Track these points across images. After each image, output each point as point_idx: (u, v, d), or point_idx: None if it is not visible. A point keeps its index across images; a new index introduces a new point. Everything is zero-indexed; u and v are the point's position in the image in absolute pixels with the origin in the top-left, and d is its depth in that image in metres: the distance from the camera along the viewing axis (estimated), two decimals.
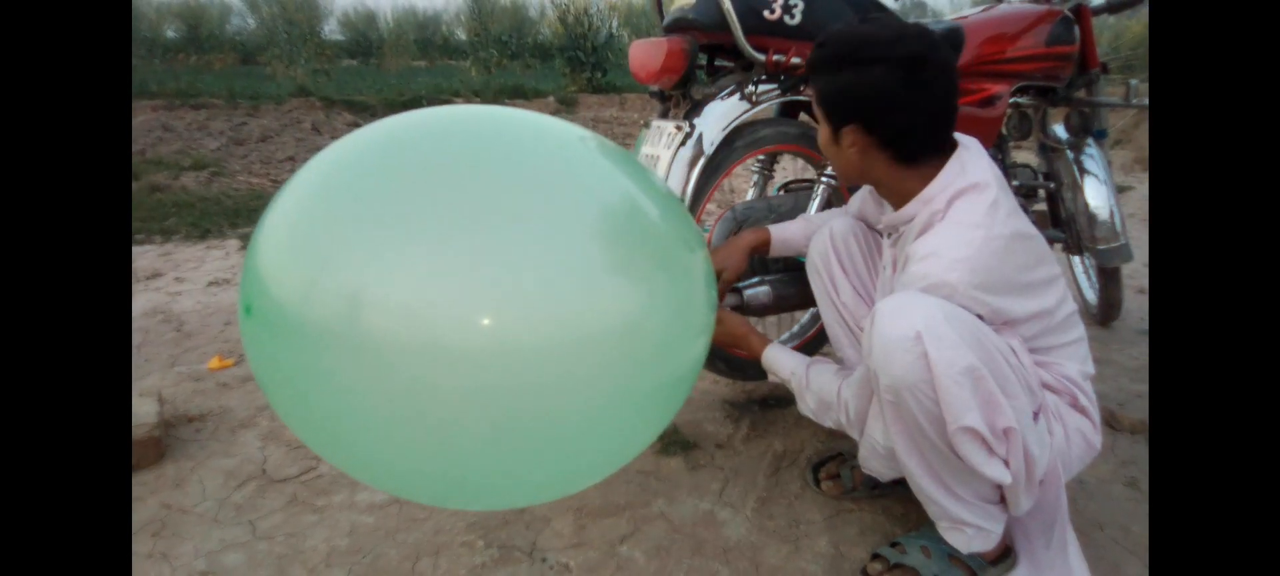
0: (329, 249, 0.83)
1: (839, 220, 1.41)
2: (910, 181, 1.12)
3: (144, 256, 3.20)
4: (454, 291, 0.81)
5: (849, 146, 1.12)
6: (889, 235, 1.23)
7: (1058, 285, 1.14)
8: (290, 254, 0.86)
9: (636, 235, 0.94)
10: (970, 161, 1.10)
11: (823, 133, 1.16)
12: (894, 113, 1.06)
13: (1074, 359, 1.16)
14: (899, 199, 1.15)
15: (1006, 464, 0.99)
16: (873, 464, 1.19)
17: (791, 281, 1.56)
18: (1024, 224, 1.09)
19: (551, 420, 0.88)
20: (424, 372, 0.81)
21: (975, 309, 1.01)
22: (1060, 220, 2.13)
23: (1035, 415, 1.06)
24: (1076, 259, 2.40)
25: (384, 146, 0.93)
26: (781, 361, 1.30)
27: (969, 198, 1.06)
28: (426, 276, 0.81)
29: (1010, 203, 1.09)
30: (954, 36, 1.69)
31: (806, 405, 1.26)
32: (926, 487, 1.07)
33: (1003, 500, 1.08)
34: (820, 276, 1.43)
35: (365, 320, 0.80)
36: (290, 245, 0.87)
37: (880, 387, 1.01)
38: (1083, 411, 1.14)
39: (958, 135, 1.15)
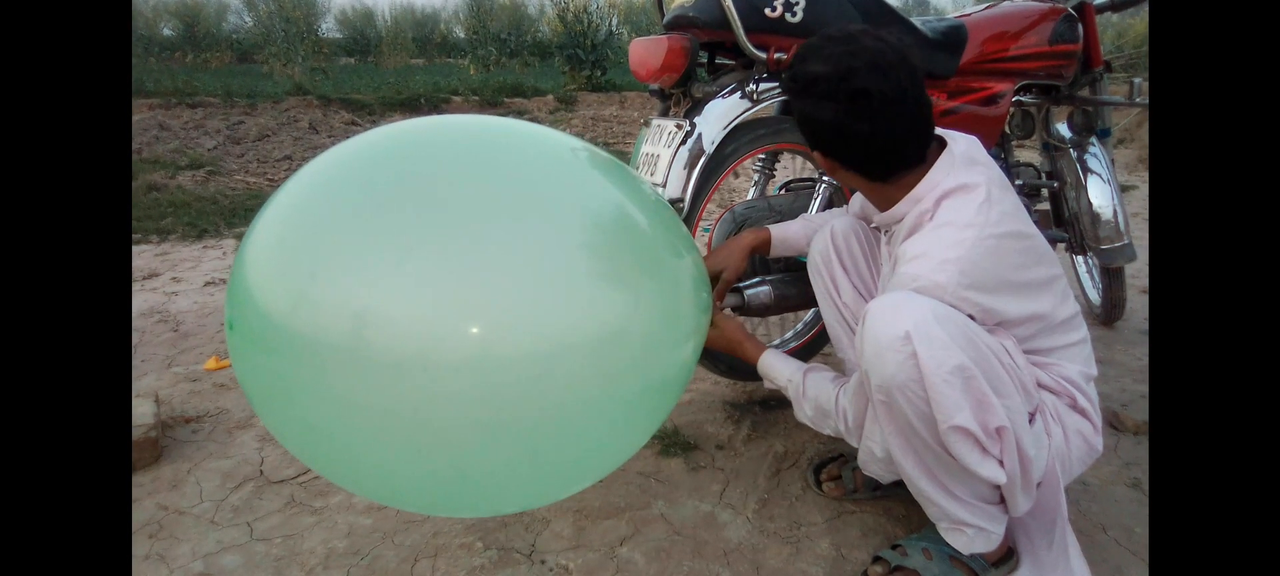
0: (315, 262, 0.84)
1: (840, 219, 1.41)
2: (890, 191, 1.13)
3: (140, 256, 3.18)
4: (439, 302, 0.82)
5: (824, 166, 1.16)
6: (884, 233, 1.23)
7: (1056, 285, 1.13)
8: (277, 268, 0.86)
9: (622, 243, 0.95)
10: (960, 162, 1.09)
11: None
12: (849, 144, 1.08)
13: (1075, 360, 1.15)
14: (886, 204, 1.15)
15: (1001, 463, 0.99)
16: (872, 467, 1.19)
17: (792, 281, 1.55)
18: (1020, 223, 1.08)
19: (539, 426, 0.88)
20: (410, 382, 0.81)
21: (966, 309, 1.01)
22: (1063, 220, 2.12)
23: (1031, 416, 1.06)
24: (1080, 259, 2.39)
25: (369, 159, 0.93)
26: (777, 368, 1.29)
27: (957, 198, 1.06)
28: (412, 287, 0.82)
29: (1008, 201, 1.08)
30: (956, 34, 1.67)
31: (804, 413, 1.25)
32: (924, 488, 1.07)
33: (1003, 501, 1.07)
34: (821, 276, 1.42)
35: (351, 332, 0.81)
36: (277, 259, 0.87)
37: (872, 388, 1.01)
38: (1082, 413, 1.14)
39: (953, 134, 1.14)
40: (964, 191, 1.06)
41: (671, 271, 1.01)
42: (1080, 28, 1.86)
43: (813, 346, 1.84)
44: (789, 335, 1.90)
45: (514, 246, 0.85)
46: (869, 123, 1.05)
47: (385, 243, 0.83)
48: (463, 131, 1.00)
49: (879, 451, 1.15)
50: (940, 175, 1.09)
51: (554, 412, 0.88)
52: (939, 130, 1.16)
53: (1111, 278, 2.19)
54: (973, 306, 1.02)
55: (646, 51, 1.54)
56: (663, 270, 0.99)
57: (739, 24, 1.46)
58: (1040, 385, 1.11)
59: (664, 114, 1.67)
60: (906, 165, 1.10)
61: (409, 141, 0.96)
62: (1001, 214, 1.05)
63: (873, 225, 1.29)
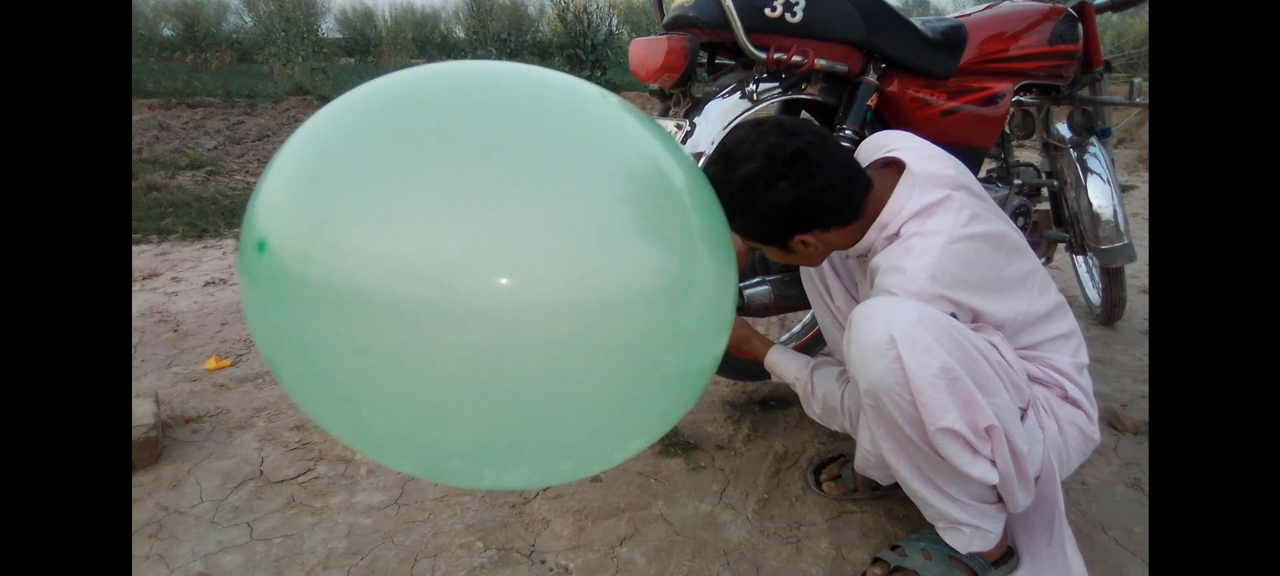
0: (339, 200, 0.78)
1: None
2: (862, 225, 1.12)
3: (140, 256, 3.18)
4: (475, 245, 0.76)
5: (806, 247, 1.12)
6: (857, 259, 1.23)
7: (1036, 279, 1.13)
8: (300, 201, 0.81)
9: (672, 203, 0.89)
10: (921, 182, 1.09)
11: (772, 252, 1.16)
12: (818, 200, 1.07)
13: (1063, 351, 1.15)
14: (855, 239, 1.14)
15: (993, 463, 0.99)
16: (869, 472, 1.19)
17: (792, 282, 1.55)
18: (989, 224, 1.08)
19: (570, 389, 0.82)
20: (439, 331, 0.76)
21: (944, 310, 1.01)
22: (1063, 219, 2.13)
23: (1023, 412, 1.05)
24: (1080, 259, 2.39)
25: (404, 96, 0.88)
26: (785, 365, 1.29)
27: (922, 216, 1.07)
28: (445, 229, 0.76)
29: (975, 204, 1.08)
30: (956, 34, 1.67)
31: (813, 410, 1.26)
32: (918, 489, 1.07)
33: (1000, 498, 1.08)
34: (814, 280, 1.43)
35: (377, 277, 0.75)
36: (301, 192, 0.82)
37: (861, 392, 1.01)
38: (1074, 403, 1.14)
39: (903, 146, 1.14)
40: (929, 208, 1.06)
41: (723, 244, 0.96)
42: (1080, 28, 1.86)
43: (812, 347, 1.84)
44: (788, 336, 1.90)
45: (554, 192, 0.79)
46: (821, 174, 1.05)
47: (414, 182, 0.77)
48: (502, 74, 0.93)
49: (871, 453, 1.15)
50: (902, 199, 1.08)
51: (587, 376, 0.82)
52: (891, 149, 1.15)
53: (1111, 278, 2.19)
54: (949, 306, 1.02)
55: (646, 51, 1.54)
56: (716, 240, 0.94)
57: (739, 24, 1.45)
58: (1030, 378, 1.11)
59: (664, 114, 1.67)
60: (865, 187, 1.11)
61: (447, 82, 0.90)
62: (970, 216, 1.05)
63: (848, 255, 1.28)
